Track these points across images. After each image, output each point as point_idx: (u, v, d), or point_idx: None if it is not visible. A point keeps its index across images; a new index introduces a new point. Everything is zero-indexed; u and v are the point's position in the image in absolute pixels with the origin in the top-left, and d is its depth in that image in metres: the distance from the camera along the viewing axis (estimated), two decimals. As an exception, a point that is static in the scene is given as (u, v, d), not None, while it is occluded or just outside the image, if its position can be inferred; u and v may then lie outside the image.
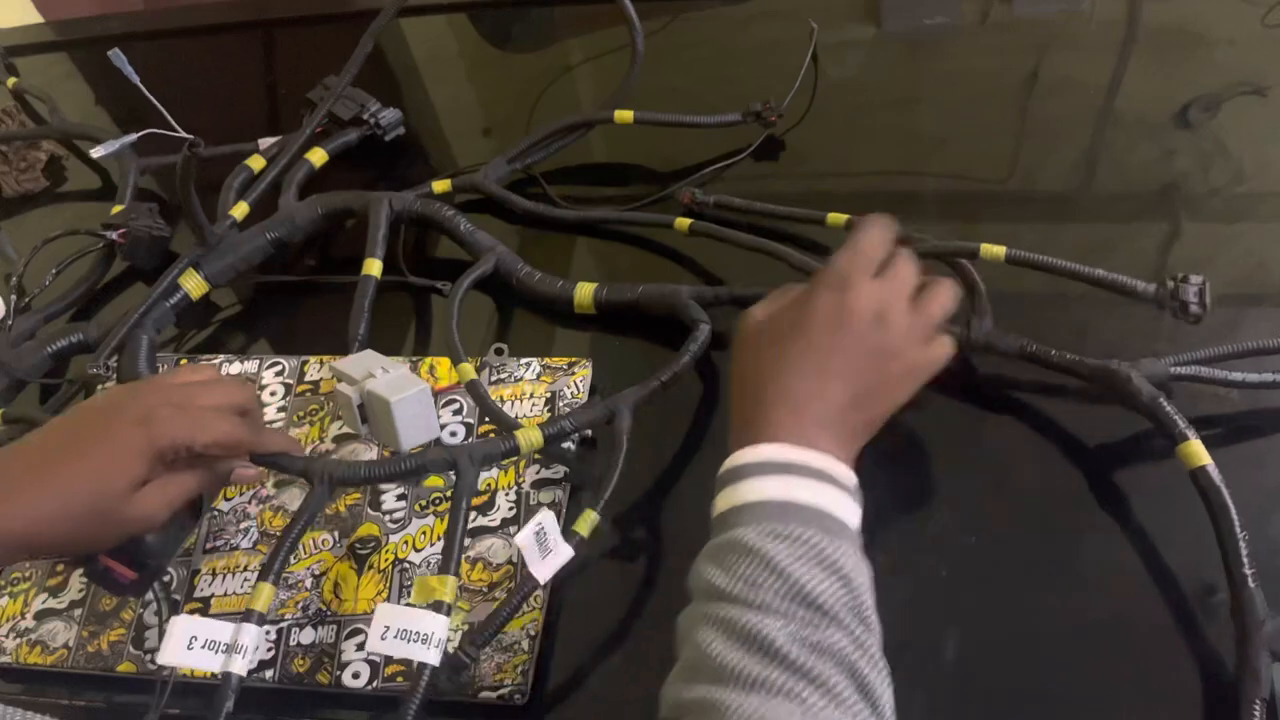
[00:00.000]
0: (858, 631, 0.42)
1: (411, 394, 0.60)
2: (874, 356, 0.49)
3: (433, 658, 0.50)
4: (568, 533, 0.55)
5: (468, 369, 0.65)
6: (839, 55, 0.90)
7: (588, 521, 0.55)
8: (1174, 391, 0.60)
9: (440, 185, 0.83)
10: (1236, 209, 0.72)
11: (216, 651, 0.51)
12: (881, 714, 0.40)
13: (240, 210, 0.80)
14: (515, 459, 0.59)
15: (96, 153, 0.88)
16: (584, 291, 0.72)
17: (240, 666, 0.51)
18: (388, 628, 0.51)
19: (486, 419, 0.67)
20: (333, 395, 0.70)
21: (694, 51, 0.97)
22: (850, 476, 0.47)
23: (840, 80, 0.88)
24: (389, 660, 0.57)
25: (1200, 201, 0.72)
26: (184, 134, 0.89)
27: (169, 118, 0.88)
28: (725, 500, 0.47)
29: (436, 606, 0.51)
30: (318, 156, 0.88)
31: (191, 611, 0.62)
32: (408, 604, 0.52)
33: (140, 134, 0.90)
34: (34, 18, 1.43)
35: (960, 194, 0.79)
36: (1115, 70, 0.84)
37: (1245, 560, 0.50)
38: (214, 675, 0.51)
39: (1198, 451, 0.54)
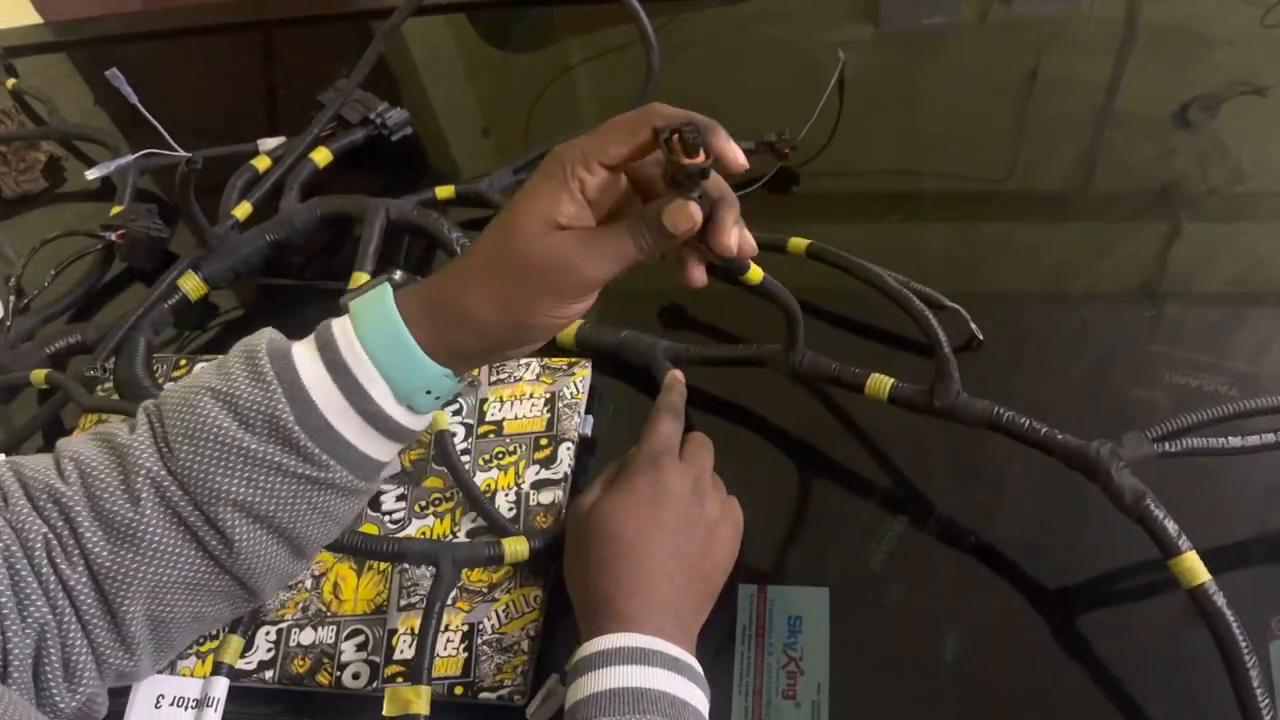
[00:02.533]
0: None
1: None
2: (701, 528, 0.52)
3: None
4: (565, 675, 0.54)
5: (441, 418, 0.66)
6: (837, 54, 0.90)
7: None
8: (1162, 395, 0.59)
9: (443, 191, 0.83)
10: (1236, 208, 0.72)
11: (185, 708, 0.51)
12: None
13: (243, 210, 0.80)
14: (497, 567, 0.59)
15: (91, 174, 0.89)
16: (567, 329, 0.69)
17: (213, 719, 0.52)
18: None
19: (484, 420, 0.67)
20: None
21: (695, 52, 0.97)
22: (697, 667, 0.47)
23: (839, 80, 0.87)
24: (389, 660, 0.57)
25: (1199, 201, 0.72)
26: (181, 152, 0.89)
27: (168, 136, 0.88)
28: (580, 690, 0.45)
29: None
30: (321, 156, 0.88)
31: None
32: (382, 717, 0.51)
33: (136, 155, 0.90)
34: (33, 18, 1.43)
35: (959, 193, 0.79)
36: (1114, 70, 0.84)
37: (1259, 693, 0.46)
38: None
39: (1194, 567, 0.47)
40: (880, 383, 0.58)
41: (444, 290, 0.42)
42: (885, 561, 0.57)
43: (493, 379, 0.69)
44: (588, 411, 0.67)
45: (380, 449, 0.44)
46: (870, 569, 0.57)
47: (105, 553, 0.40)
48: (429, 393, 0.43)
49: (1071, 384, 0.63)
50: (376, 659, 0.58)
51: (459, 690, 0.55)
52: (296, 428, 0.40)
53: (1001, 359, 0.66)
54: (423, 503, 0.64)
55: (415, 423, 0.44)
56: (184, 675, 0.54)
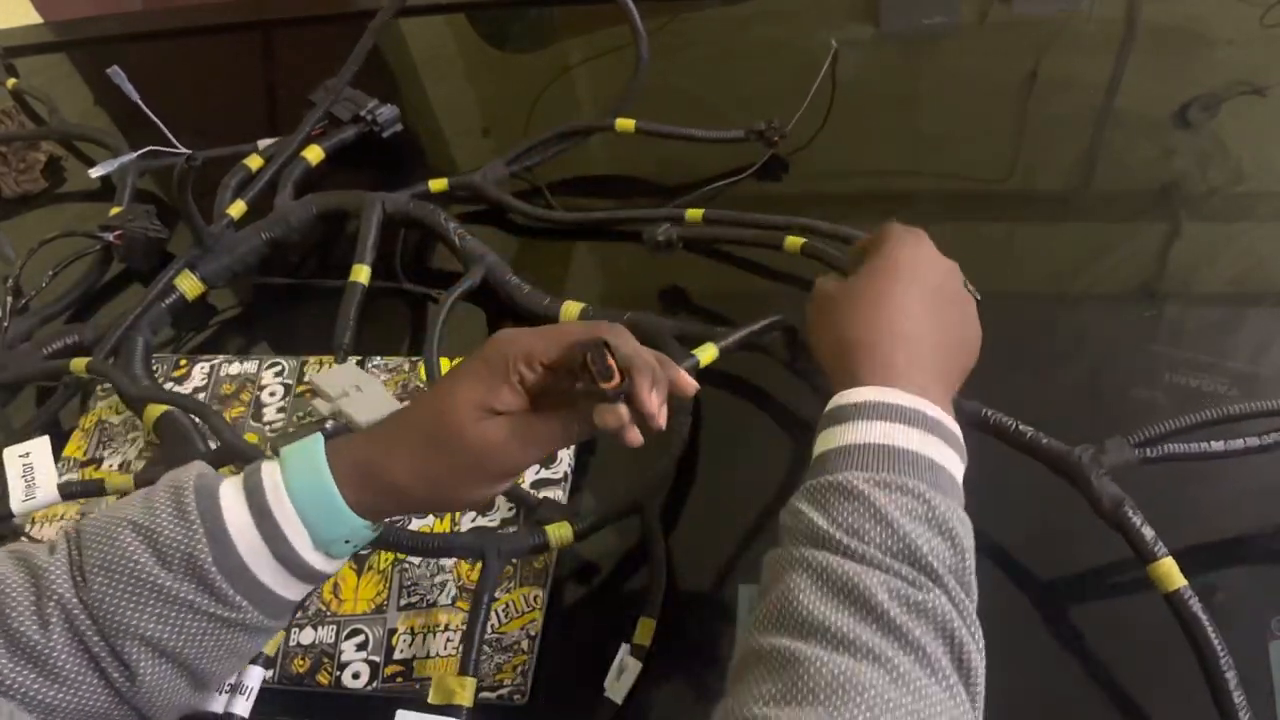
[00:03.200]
0: (960, 598, 0.38)
1: (380, 417, 0.60)
2: (958, 305, 0.50)
3: None
4: (634, 648, 0.54)
5: None
6: (838, 54, 0.90)
7: (647, 628, 0.55)
8: (1162, 395, 0.59)
9: (437, 184, 0.83)
10: (1236, 208, 0.72)
11: (220, 692, 0.51)
12: (975, 689, 0.38)
13: (237, 209, 0.80)
14: (552, 554, 0.59)
15: (94, 172, 0.89)
16: (569, 312, 0.70)
17: (243, 708, 0.52)
18: None
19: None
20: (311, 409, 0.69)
21: (695, 51, 0.97)
22: (958, 431, 0.44)
23: (840, 80, 0.87)
24: (389, 660, 0.57)
25: (1199, 201, 0.72)
26: (182, 149, 0.89)
27: (167, 133, 0.88)
28: (829, 440, 0.43)
29: (454, 712, 0.51)
30: (313, 154, 0.88)
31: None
32: (427, 702, 0.51)
33: (138, 153, 0.90)
34: (33, 18, 1.43)
35: (959, 193, 0.79)
36: (1114, 70, 0.84)
37: (1235, 695, 0.46)
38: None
39: (1170, 573, 0.48)
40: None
41: (374, 456, 0.43)
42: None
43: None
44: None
45: (292, 590, 0.44)
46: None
47: (8, 670, 0.39)
48: (347, 542, 0.44)
49: (1072, 384, 0.63)
50: (376, 659, 0.58)
51: (459, 690, 0.55)
52: (214, 569, 0.41)
53: (1001, 359, 0.66)
54: (422, 503, 0.64)
55: (329, 567, 0.45)
56: None
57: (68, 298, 0.82)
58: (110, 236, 0.81)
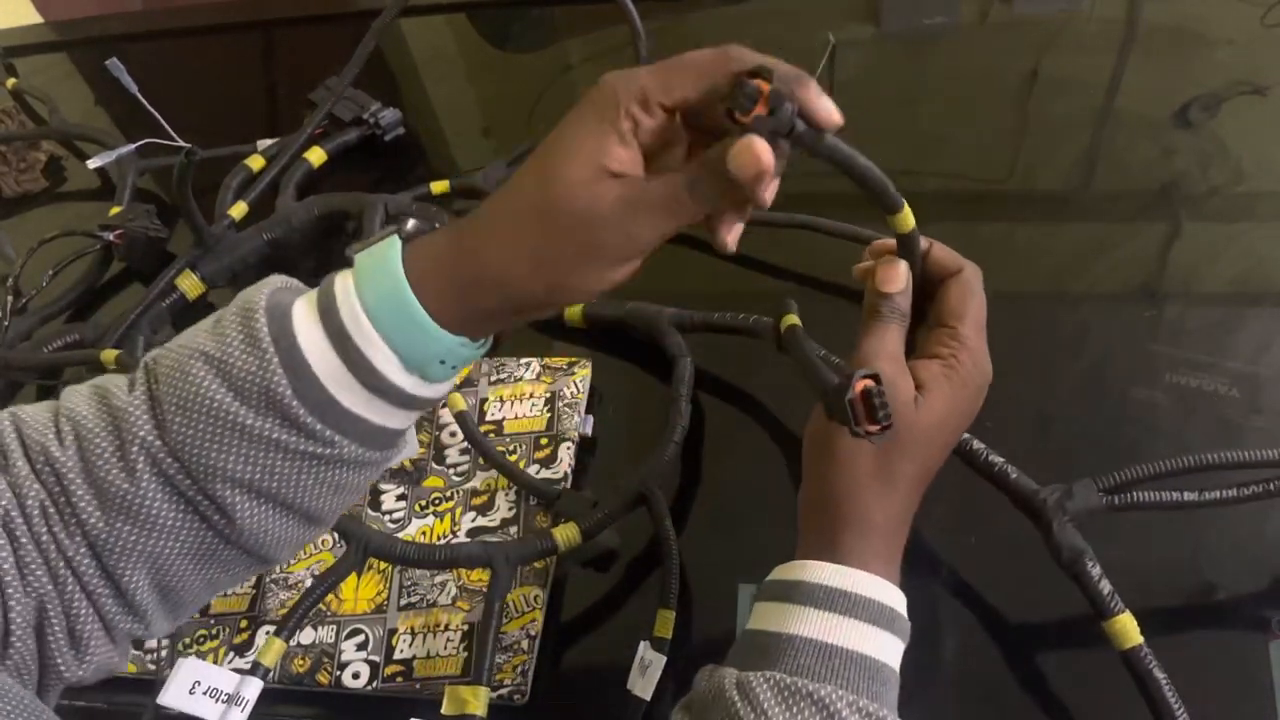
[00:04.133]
0: None
1: None
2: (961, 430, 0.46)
3: None
4: (654, 641, 0.54)
5: (457, 399, 0.66)
6: (838, 55, 0.90)
7: (667, 621, 0.55)
8: (1162, 395, 0.59)
9: (438, 186, 0.83)
10: (1236, 208, 0.72)
11: (217, 701, 0.50)
12: None
13: (239, 210, 0.80)
14: (552, 557, 0.58)
15: (93, 163, 0.89)
16: (574, 305, 0.71)
17: (239, 719, 0.51)
18: None
19: (484, 420, 0.67)
20: None
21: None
22: (902, 601, 0.42)
23: (840, 80, 0.87)
24: (389, 660, 0.57)
25: (1200, 201, 0.72)
26: (182, 143, 0.89)
27: (167, 126, 0.88)
28: (806, 621, 0.40)
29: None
30: (316, 156, 0.88)
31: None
32: (441, 714, 0.51)
33: (137, 144, 0.90)
34: (34, 18, 1.43)
35: (960, 193, 0.79)
36: (1115, 69, 0.84)
37: None
38: None
39: (1126, 630, 0.47)
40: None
41: (466, 242, 0.36)
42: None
43: (493, 379, 0.69)
44: (588, 411, 0.67)
45: (393, 418, 0.39)
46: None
47: (101, 524, 0.37)
48: (443, 362, 0.38)
49: (1072, 384, 0.63)
50: (376, 658, 0.58)
51: (459, 690, 0.55)
52: (295, 403, 0.36)
53: (1001, 359, 0.66)
54: (423, 502, 0.64)
55: (431, 391, 0.39)
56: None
57: (67, 297, 0.82)
58: (110, 236, 0.81)
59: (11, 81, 1.07)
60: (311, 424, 0.37)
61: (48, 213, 0.98)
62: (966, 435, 0.52)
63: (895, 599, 0.41)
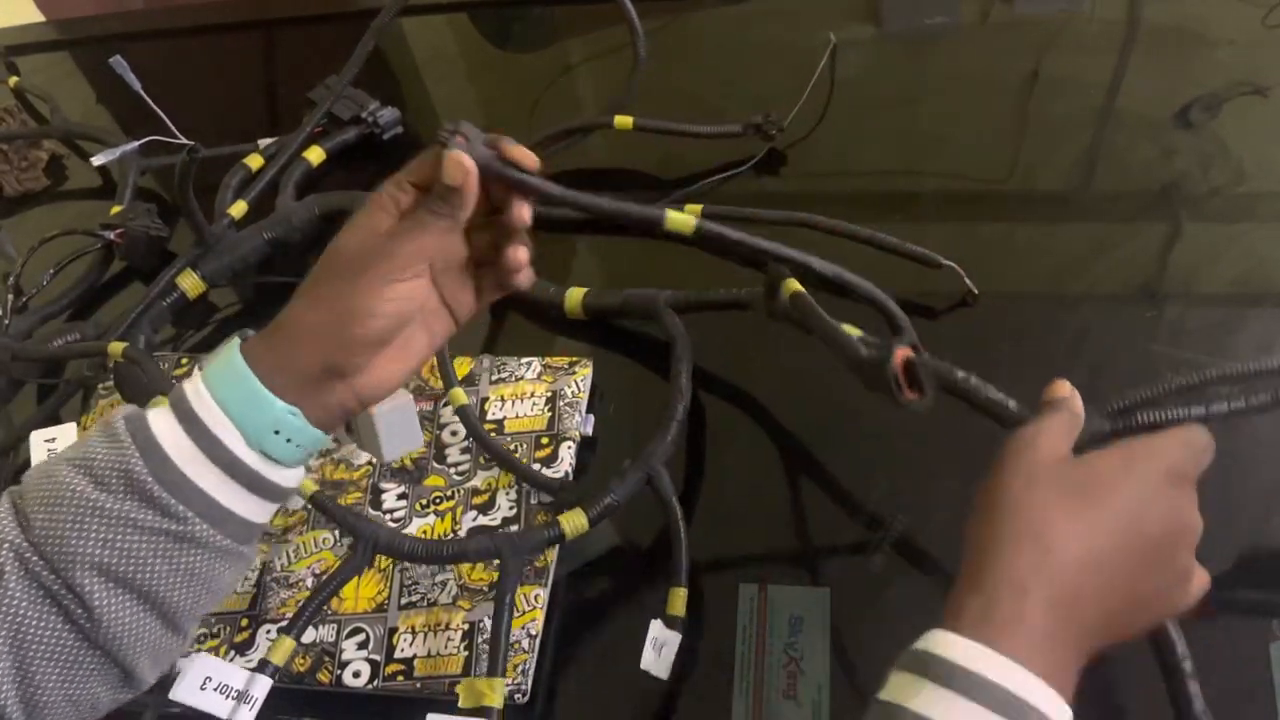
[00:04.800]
0: None
1: (393, 406, 0.59)
2: (1166, 571, 0.40)
3: None
4: (667, 619, 0.54)
5: (459, 395, 0.66)
6: (839, 55, 0.90)
7: (678, 597, 0.54)
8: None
9: None
10: (1237, 209, 0.72)
11: (227, 697, 0.51)
12: None
13: (238, 209, 0.80)
14: (555, 549, 0.59)
15: (97, 160, 0.89)
16: (573, 298, 0.72)
17: (247, 716, 0.51)
18: None
19: (486, 419, 0.67)
20: None
21: (696, 51, 0.97)
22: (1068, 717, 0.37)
23: (840, 80, 0.88)
24: (390, 659, 0.57)
25: (1201, 201, 0.72)
26: (184, 140, 0.89)
27: (170, 124, 0.88)
28: (903, 690, 0.36)
29: (484, 712, 0.51)
30: (315, 155, 0.88)
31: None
32: (457, 708, 0.51)
33: (141, 141, 0.90)
34: (36, 17, 1.43)
35: (960, 194, 0.79)
36: (1116, 70, 0.84)
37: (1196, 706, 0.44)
38: None
39: None
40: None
41: (280, 314, 0.44)
42: (886, 561, 0.57)
43: (494, 378, 0.69)
44: (589, 411, 0.67)
45: (245, 505, 0.43)
46: (871, 569, 0.57)
47: None
48: (278, 433, 0.42)
49: (1072, 384, 0.63)
50: (377, 657, 0.58)
51: (460, 689, 0.55)
52: (150, 479, 0.40)
53: (1002, 359, 0.66)
54: (424, 501, 0.64)
55: (276, 474, 0.43)
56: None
57: (68, 296, 0.82)
58: (111, 235, 0.81)
59: (13, 80, 1.07)
60: (165, 499, 0.40)
61: (49, 211, 0.98)
62: (960, 371, 0.50)
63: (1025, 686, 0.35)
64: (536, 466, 0.64)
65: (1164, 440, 0.41)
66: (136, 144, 0.90)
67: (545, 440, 0.65)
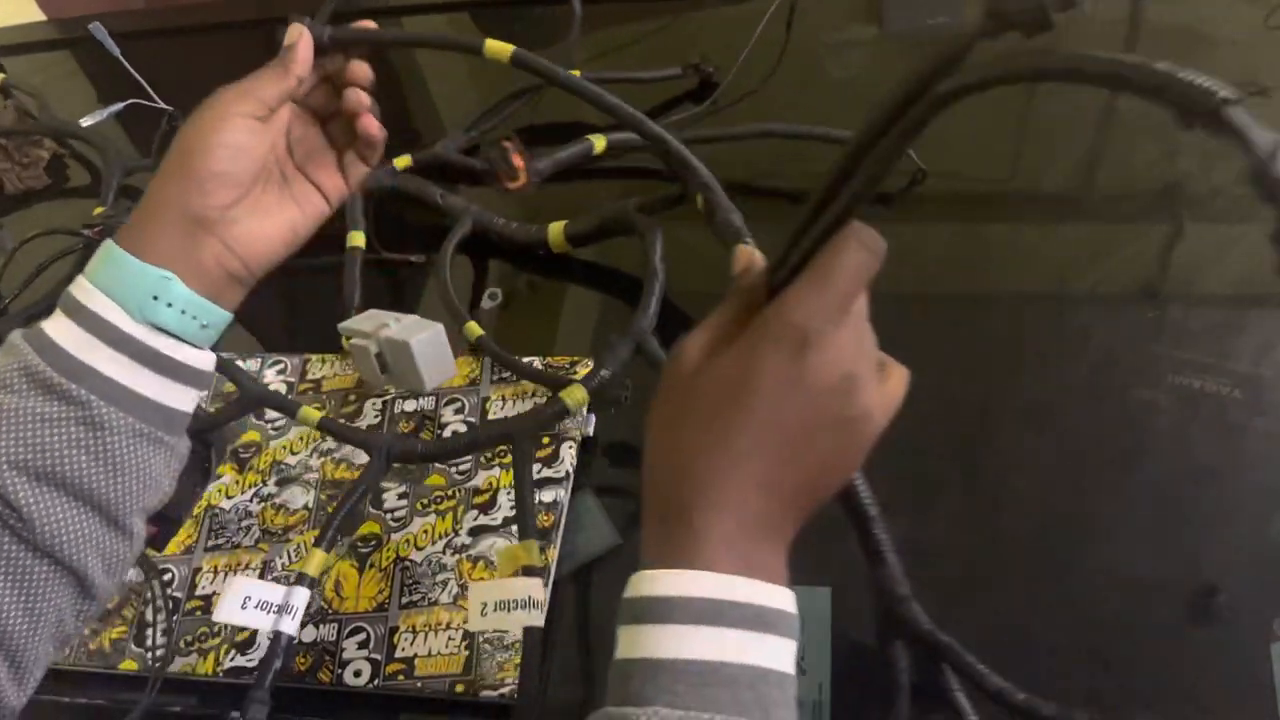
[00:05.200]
0: None
1: (429, 334, 0.64)
2: (834, 430, 0.38)
3: (538, 619, 0.52)
4: None
5: (474, 328, 0.68)
6: (841, 55, 0.90)
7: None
8: (1165, 396, 0.59)
9: (401, 161, 0.85)
10: (1239, 209, 0.72)
11: (268, 612, 0.53)
12: None
13: None
14: (565, 418, 0.62)
15: (85, 121, 0.90)
16: (555, 231, 0.76)
17: (290, 626, 0.54)
18: (485, 603, 0.52)
19: (487, 419, 0.67)
20: (348, 352, 0.70)
21: (694, 51, 0.97)
22: (791, 601, 0.37)
23: (842, 80, 0.88)
24: (390, 658, 0.57)
25: (1203, 202, 0.72)
26: (163, 105, 0.90)
27: (149, 89, 0.90)
28: (634, 644, 0.36)
29: (528, 571, 0.53)
30: None
31: (192, 610, 0.62)
32: (496, 577, 0.54)
33: (125, 103, 0.91)
34: (37, 16, 1.43)
35: (962, 194, 0.79)
36: (1118, 70, 0.84)
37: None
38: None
39: None
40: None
41: (145, 196, 0.45)
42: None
43: (494, 378, 0.69)
44: (590, 411, 0.67)
45: (155, 388, 0.43)
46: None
47: None
48: (156, 298, 0.42)
49: (1073, 384, 0.63)
50: (378, 657, 0.58)
51: (460, 688, 0.55)
52: (49, 370, 0.40)
53: (1003, 359, 0.66)
54: (424, 500, 0.64)
55: (179, 352, 0.43)
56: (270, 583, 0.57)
57: (52, 297, 0.82)
58: (89, 233, 0.81)
59: (0, 77, 1.07)
60: (65, 385, 0.40)
61: (50, 209, 0.98)
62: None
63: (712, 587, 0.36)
64: (538, 466, 0.64)
65: (776, 311, 0.38)
66: (121, 105, 0.92)
67: (546, 440, 0.65)
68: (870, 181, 0.36)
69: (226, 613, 0.53)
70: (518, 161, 0.46)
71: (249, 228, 0.45)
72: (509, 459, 0.64)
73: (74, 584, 0.42)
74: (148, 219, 0.44)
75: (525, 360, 0.70)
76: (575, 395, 0.59)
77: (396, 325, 0.65)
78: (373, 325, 0.65)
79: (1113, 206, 0.75)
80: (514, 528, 0.62)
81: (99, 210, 0.84)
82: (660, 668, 0.35)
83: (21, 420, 0.40)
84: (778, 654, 0.36)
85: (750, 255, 0.42)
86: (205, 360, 0.45)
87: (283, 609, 0.54)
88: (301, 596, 0.55)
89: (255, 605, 0.54)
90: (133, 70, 0.88)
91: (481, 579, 0.60)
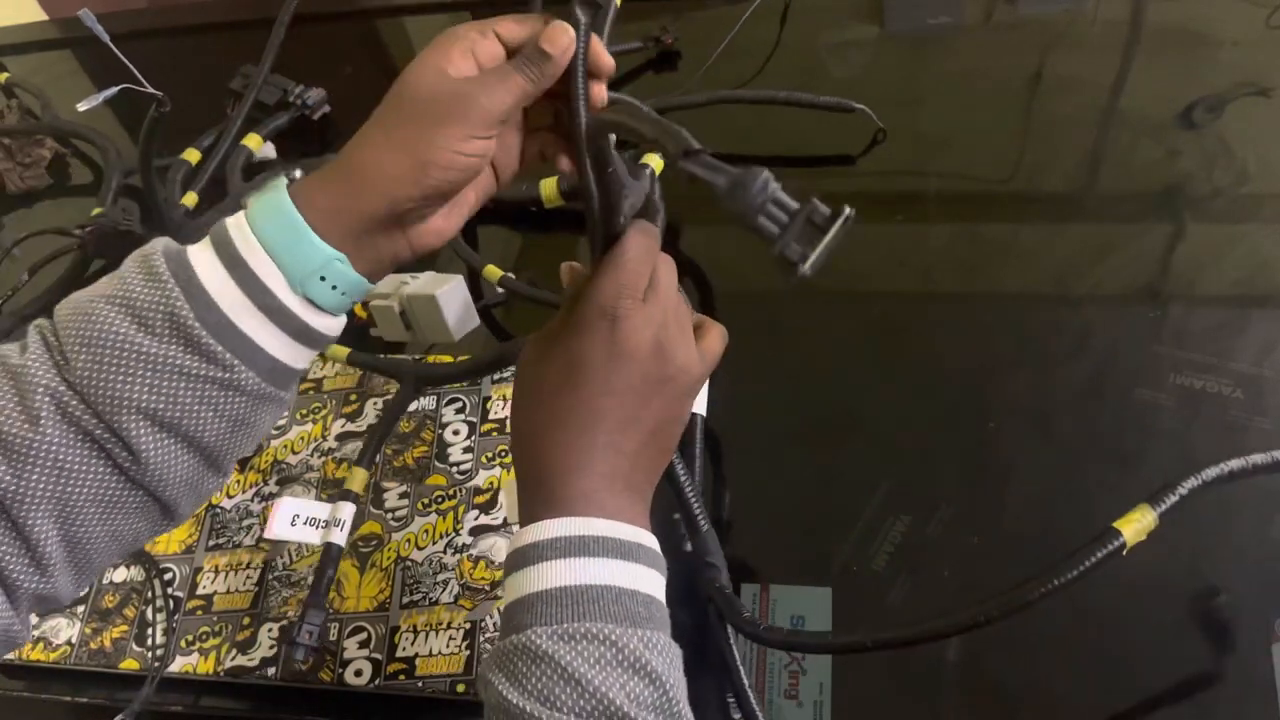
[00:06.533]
0: None
1: (451, 285, 0.66)
2: (659, 389, 0.44)
3: None
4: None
5: (494, 270, 0.71)
6: (842, 55, 0.90)
7: None
8: (1166, 396, 0.59)
9: None
10: (1240, 210, 0.72)
11: (316, 527, 0.57)
12: None
13: (190, 199, 0.83)
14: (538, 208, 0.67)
15: (81, 106, 0.91)
16: (548, 186, 0.77)
17: (340, 538, 0.57)
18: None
19: (487, 418, 0.67)
20: (370, 314, 0.70)
21: (695, 51, 0.97)
22: (651, 539, 0.42)
23: (843, 80, 0.88)
24: (391, 658, 0.58)
25: (1204, 202, 0.72)
26: (153, 91, 0.91)
27: (139, 75, 0.90)
28: (512, 590, 0.40)
29: None
30: (254, 141, 0.91)
31: (193, 610, 0.62)
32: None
33: (117, 89, 0.92)
34: (38, 15, 1.43)
35: (963, 194, 0.79)
36: (1119, 70, 0.84)
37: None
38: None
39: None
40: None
41: (341, 154, 0.41)
42: (887, 561, 0.57)
43: (495, 378, 0.69)
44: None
45: (287, 351, 0.41)
46: (872, 569, 0.57)
47: (9, 477, 0.38)
48: (323, 279, 0.40)
49: (1075, 385, 0.63)
50: (379, 656, 0.58)
51: (461, 688, 0.56)
52: (197, 324, 0.39)
53: (1005, 359, 0.66)
54: (425, 500, 0.64)
55: (320, 322, 0.42)
56: (312, 500, 0.61)
57: (45, 299, 0.82)
58: (79, 233, 0.81)
59: (2, 76, 1.07)
60: (212, 346, 0.39)
61: (51, 209, 0.98)
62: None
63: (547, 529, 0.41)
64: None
65: (582, 301, 0.44)
66: (114, 90, 0.93)
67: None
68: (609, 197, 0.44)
69: (277, 530, 0.56)
70: None
71: (434, 224, 0.43)
72: (510, 458, 0.65)
73: (162, 513, 0.42)
74: (345, 198, 0.40)
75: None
76: (548, 191, 0.61)
77: (415, 282, 0.66)
78: (390, 286, 0.67)
79: (1113, 207, 0.75)
80: (514, 527, 0.61)
81: (97, 211, 0.84)
82: (535, 599, 0.39)
83: (158, 369, 0.39)
84: (640, 578, 0.40)
85: (572, 268, 0.48)
86: (338, 327, 0.43)
87: (329, 523, 0.57)
88: (348, 510, 0.58)
89: (304, 522, 0.57)
90: (120, 55, 0.89)
91: (482, 583, 0.60)
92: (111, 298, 0.39)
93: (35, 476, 0.38)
